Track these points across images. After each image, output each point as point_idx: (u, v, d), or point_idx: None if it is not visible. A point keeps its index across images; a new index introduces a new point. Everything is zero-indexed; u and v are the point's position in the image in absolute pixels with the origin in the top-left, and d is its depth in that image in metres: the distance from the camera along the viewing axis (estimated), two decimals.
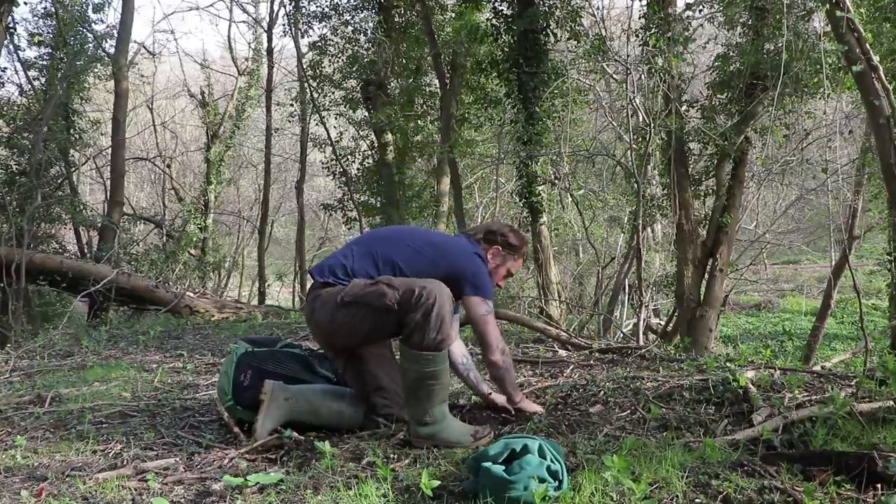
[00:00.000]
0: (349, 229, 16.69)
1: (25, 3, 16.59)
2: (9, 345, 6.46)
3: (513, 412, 2.92)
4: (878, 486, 1.95)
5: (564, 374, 3.71)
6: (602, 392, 3.16)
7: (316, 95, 14.62)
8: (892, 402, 2.56)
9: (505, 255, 2.96)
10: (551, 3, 10.06)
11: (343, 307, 2.63)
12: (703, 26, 9.64)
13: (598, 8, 11.01)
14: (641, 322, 7.39)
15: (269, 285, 19.08)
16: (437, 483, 2.05)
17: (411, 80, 14.39)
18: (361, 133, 15.58)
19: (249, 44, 22.71)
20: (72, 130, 12.72)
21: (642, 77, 7.50)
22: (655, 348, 4.20)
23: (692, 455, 2.22)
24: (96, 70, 13.87)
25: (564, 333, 4.84)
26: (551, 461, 2.02)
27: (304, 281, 17.43)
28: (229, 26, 30.83)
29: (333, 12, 13.97)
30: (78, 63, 12.76)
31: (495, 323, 2.82)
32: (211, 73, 21.25)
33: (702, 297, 8.84)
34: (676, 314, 9.32)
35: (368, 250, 2.78)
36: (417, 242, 2.81)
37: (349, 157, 15.18)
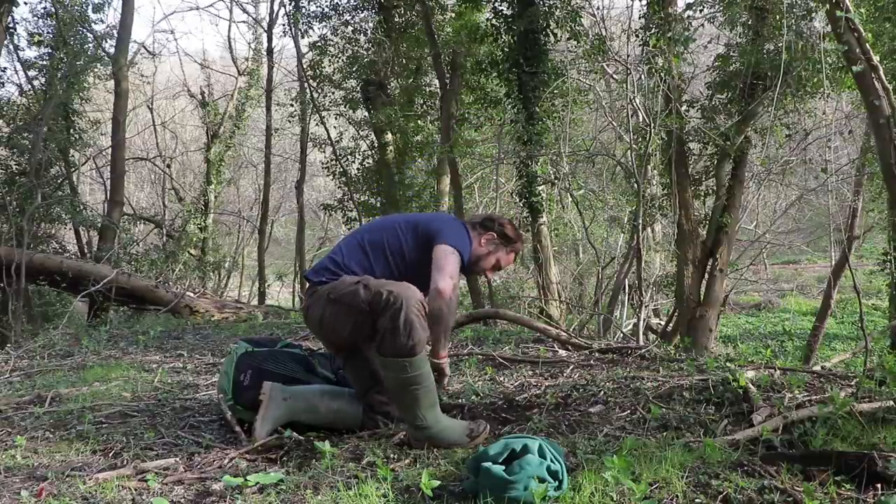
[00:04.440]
0: (349, 229, 16.68)
1: (25, 3, 16.66)
2: (9, 345, 6.45)
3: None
4: (878, 486, 1.96)
5: (564, 374, 3.71)
6: (602, 392, 3.16)
7: (316, 95, 14.61)
8: (892, 402, 2.56)
9: (498, 244, 2.89)
10: (551, 3, 10.05)
11: (330, 304, 2.64)
12: (703, 26, 9.63)
13: (598, 8, 10.99)
14: (641, 322, 7.39)
15: (269, 285, 19.07)
16: (437, 483, 2.05)
17: (411, 80, 14.38)
18: (361, 133, 15.57)
19: (249, 44, 22.71)
20: (72, 130, 12.71)
21: (642, 77, 7.49)
22: (655, 348, 4.19)
23: (692, 455, 2.22)
24: (96, 70, 13.87)
25: (564, 333, 4.84)
26: (551, 461, 2.02)
27: (304, 281, 17.37)
28: (229, 26, 30.90)
29: (333, 12, 13.97)
30: (78, 63, 12.75)
31: (457, 265, 2.62)
32: (211, 73, 21.27)
33: (702, 297, 8.83)
34: (676, 314, 9.31)
35: (358, 241, 2.79)
36: (400, 221, 2.81)
37: (349, 157, 15.16)
